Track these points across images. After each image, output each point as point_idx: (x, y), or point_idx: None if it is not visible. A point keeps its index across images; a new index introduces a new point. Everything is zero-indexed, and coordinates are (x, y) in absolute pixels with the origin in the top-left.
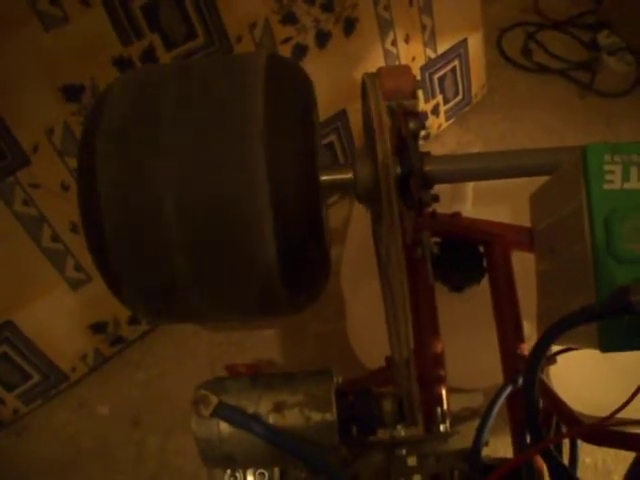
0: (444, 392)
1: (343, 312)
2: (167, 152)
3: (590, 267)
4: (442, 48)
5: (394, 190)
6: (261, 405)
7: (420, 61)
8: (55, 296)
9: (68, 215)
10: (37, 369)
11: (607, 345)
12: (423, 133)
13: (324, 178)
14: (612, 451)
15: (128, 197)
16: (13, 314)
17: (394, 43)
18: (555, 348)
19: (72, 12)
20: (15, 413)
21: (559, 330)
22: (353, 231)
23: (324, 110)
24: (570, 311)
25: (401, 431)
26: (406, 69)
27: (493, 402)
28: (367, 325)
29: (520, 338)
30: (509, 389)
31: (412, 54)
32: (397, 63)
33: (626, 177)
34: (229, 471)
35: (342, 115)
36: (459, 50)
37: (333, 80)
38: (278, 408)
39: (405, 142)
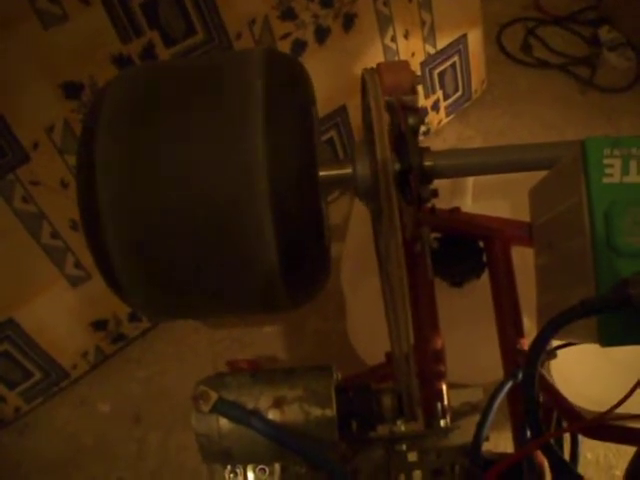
0: (444, 387)
1: (343, 309)
2: (166, 150)
3: (590, 261)
4: (442, 44)
5: (393, 186)
6: (261, 401)
7: (420, 57)
8: (55, 293)
9: (68, 212)
10: (38, 367)
11: (607, 339)
12: (423, 129)
13: (323, 174)
14: (614, 446)
15: (127, 196)
16: (14, 311)
17: (393, 39)
18: (556, 343)
19: (71, 10)
20: (17, 411)
21: (558, 324)
22: (353, 228)
23: (324, 106)
24: (569, 305)
25: (401, 427)
26: (405, 64)
27: (493, 397)
28: (367, 322)
29: (520, 333)
30: (509, 384)
31: (411, 50)
32: (396, 59)
33: (625, 171)
34: (229, 467)
35: (342, 111)
36: (459, 46)
37: (332, 76)
38: (278, 404)
39: (404, 137)
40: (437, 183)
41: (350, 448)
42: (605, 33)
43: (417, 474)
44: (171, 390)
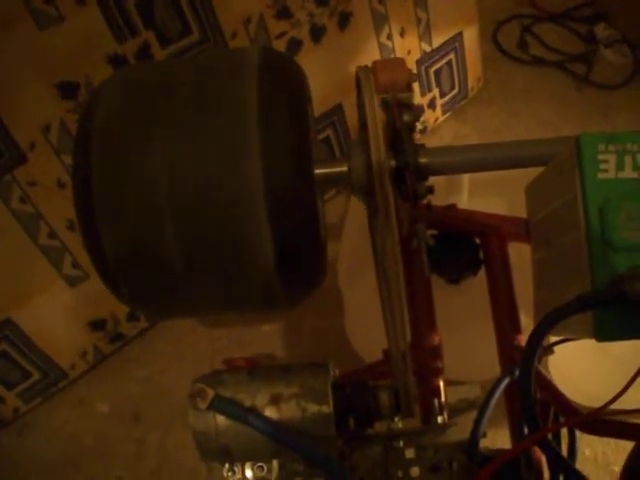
0: (442, 384)
1: (341, 306)
2: (162, 150)
3: (585, 256)
4: (438, 42)
5: (389, 183)
6: (257, 398)
7: (416, 55)
8: (53, 293)
9: (65, 212)
10: (37, 367)
11: (602, 334)
12: (420, 127)
13: (319, 172)
14: (612, 443)
15: (123, 195)
16: (12, 312)
17: (389, 37)
18: (553, 339)
19: (66, 11)
20: (15, 412)
21: (554, 320)
22: (350, 226)
23: (320, 104)
24: (565, 301)
25: (399, 423)
26: (400, 62)
27: (490, 394)
28: (364, 319)
29: (517, 329)
30: (506, 380)
31: (407, 48)
32: (392, 57)
33: (620, 166)
34: (227, 465)
35: (338, 109)
36: (455, 43)
37: (328, 74)
38: (274, 401)
39: (400, 135)
40: (433, 180)
41: (348, 445)
42: (601, 30)
43: (415, 470)
44: (170, 389)
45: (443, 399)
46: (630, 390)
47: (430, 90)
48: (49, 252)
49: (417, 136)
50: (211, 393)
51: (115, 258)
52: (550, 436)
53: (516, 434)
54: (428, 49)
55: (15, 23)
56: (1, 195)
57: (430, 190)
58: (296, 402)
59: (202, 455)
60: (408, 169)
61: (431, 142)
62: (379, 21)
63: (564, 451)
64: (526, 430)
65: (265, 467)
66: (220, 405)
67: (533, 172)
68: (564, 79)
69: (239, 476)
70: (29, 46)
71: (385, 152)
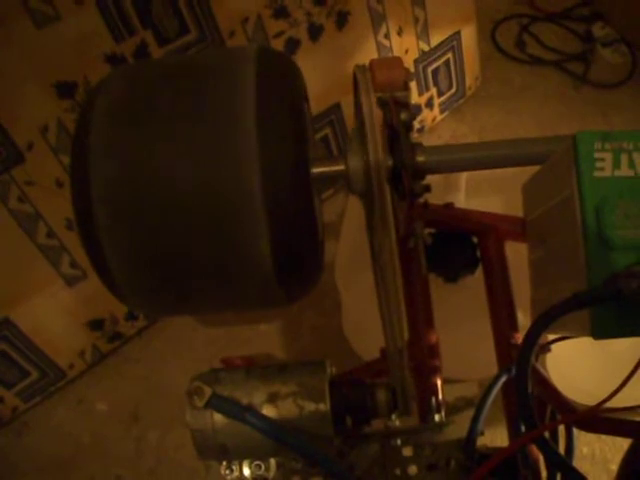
0: (439, 382)
1: (338, 305)
2: (158, 149)
3: (582, 254)
4: (435, 41)
5: (385, 182)
6: (255, 396)
7: (413, 54)
8: (51, 293)
9: (63, 212)
10: (35, 366)
11: (599, 332)
12: (417, 126)
13: (316, 170)
14: (610, 441)
15: (121, 194)
16: (10, 311)
17: (387, 36)
18: (550, 337)
19: (64, 10)
20: (14, 411)
21: (551, 317)
22: (348, 225)
23: (318, 104)
24: (562, 299)
25: (396, 421)
26: (397, 61)
27: (488, 392)
28: (362, 318)
29: (514, 327)
30: (504, 378)
31: (405, 47)
32: (390, 56)
33: (617, 164)
34: (225, 463)
35: (336, 108)
36: (452, 43)
37: (326, 73)
38: (272, 399)
39: (397, 133)
40: (430, 179)
41: (345, 443)
42: (599, 29)
43: (412, 469)
44: (169, 388)
45: (440, 397)
46: (627, 387)
47: (428, 89)
48: (47, 251)
49: (415, 135)
50: (208, 391)
51: (113, 258)
52: (548, 434)
53: (513, 432)
54: (426, 48)
55: (13, 22)
56: None
57: (427, 189)
58: (293, 400)
59: (199, 453)
60: (405, 168)
61: (429, 141)
62: (377, 20)
63: (562, 449)
64: (523, 428)
65: (263, 465)
66: (217, 403)
67: (530, 171)
68: (562, 78)
69: (237, 474)
70: (26, 45)
71: (382, 151)
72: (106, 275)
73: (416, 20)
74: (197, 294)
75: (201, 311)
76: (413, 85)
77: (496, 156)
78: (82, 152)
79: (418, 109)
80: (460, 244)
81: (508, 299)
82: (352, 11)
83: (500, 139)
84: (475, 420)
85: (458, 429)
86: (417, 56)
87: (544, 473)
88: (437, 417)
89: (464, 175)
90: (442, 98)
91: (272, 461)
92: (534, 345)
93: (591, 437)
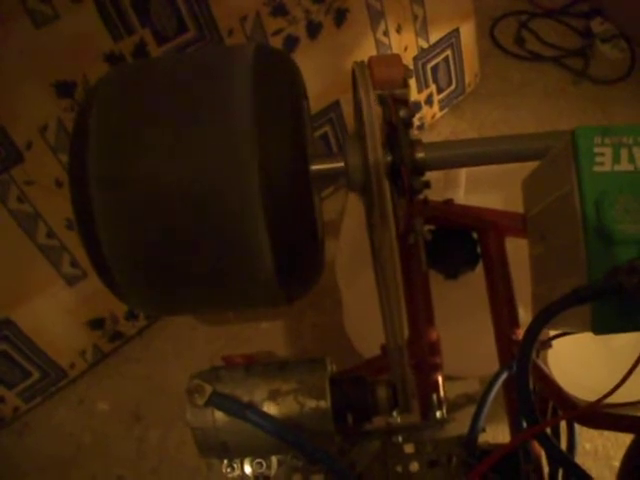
0: (440, 379)
1: (339, 303)
2: (157, 146)
3: (582, 249)
4: (434, 38)
5: (385, 179)
6: (255, 394)
7: (412, 51)
8: (52, 293)
9: (63, 211)
10: (36, 366)
11: (600, 327)
12: (417, 123)
13: (315, 168)
14: (612, 437)
15: (121, 193)
16: (11, 311)
17: (386, 33)
18: (552, 333)
19: (62, 9)
20: (15, 411)
21: (551, 313)
22: (348, 223)
23: (317, 101)
24: (563, 294)
25: (397, 418)
26: (396, 58)
27: (489, 388)
28: (363, 315)
29: (515, 324)
30: (505, 375)
31: (404, 44)
32: (389, 53)
33: (616, 159)
34: (226, 461)
35: (335, 106)
36: (451, 40)
37: (325, 71)
38: (272, 396)
39: (396, 130)
40: (429, 175)
41: (346, 441)
42: (597, 25)
43: (414, 465)
44: (170, 387)
45: (442, 394)
46: (628, 382)
47: (427, 86)
48: (48, 251)
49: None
50: (209, 389)
51: (114, 258)
52: (549, 430)
53: (515, 428)
54: (425, 45)
55: (11, 21)
56: None
57: (427, 185)
58: (294, 398)
59: (201, 451)
60: (404, 164)
61: (429, 138)
62: (375, 17)
63: (563, 446)
64: (525, 424)
65: (264, 463)
66: (218, 401)
67: (530, 166)
68: (561, 74)
69: (238, 472)
70: (26, 45)
71: (381, 147)
72: (106, 274)
73: (415, 17)
74: (197, 293)
75: (201, 310)
76: (412, 82)
77: (496, 152)
78: (80, 151)
79: (418, 106)
80: (460, 240)
81: (509, 295)
82: (351, 8)
83: (499, 135)
84: (476, 417)
85: (459, 426)
86: (416, 53)
87: (546, 469)
88: (438, 414)
89: (464, 171)
90: (441, 95)
91: (273, 459)
92: (535, 341)
93: (593, 433)
